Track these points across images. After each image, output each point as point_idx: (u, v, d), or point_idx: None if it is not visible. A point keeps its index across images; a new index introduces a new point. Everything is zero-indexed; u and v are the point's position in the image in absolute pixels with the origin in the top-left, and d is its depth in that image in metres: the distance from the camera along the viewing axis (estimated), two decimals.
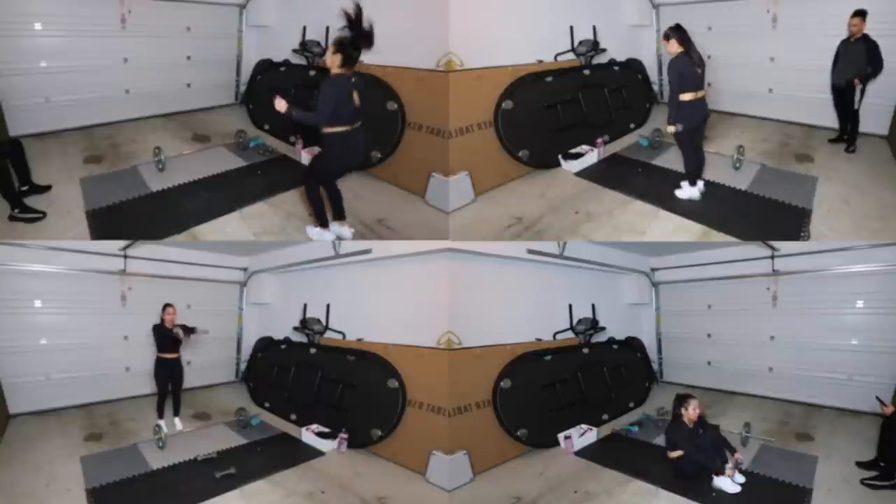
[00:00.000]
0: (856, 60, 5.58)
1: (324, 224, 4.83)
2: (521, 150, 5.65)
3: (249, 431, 5.74)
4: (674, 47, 4.91)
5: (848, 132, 5.83)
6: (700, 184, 5.24)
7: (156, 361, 5.64)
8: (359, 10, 4.43)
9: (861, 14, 5.53)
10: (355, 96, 4.52)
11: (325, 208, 4.81)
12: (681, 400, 4.84)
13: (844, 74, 5.66)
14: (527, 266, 5.60)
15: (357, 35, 4.44)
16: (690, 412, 4.77)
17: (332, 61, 4.47)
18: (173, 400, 5.73)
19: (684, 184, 5.23)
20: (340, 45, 4.44)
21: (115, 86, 6.27)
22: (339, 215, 4.87)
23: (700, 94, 4.95)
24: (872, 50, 5.53)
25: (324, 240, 4.92)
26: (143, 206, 5.06)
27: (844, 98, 5.75)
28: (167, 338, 5.56)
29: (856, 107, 5.72)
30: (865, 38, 5.55)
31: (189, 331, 5.63)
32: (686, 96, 4.90)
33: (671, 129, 4.98)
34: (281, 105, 4.40)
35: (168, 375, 5.65)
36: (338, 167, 4.74)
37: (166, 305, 5.62)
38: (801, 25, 6.15)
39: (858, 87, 5.64)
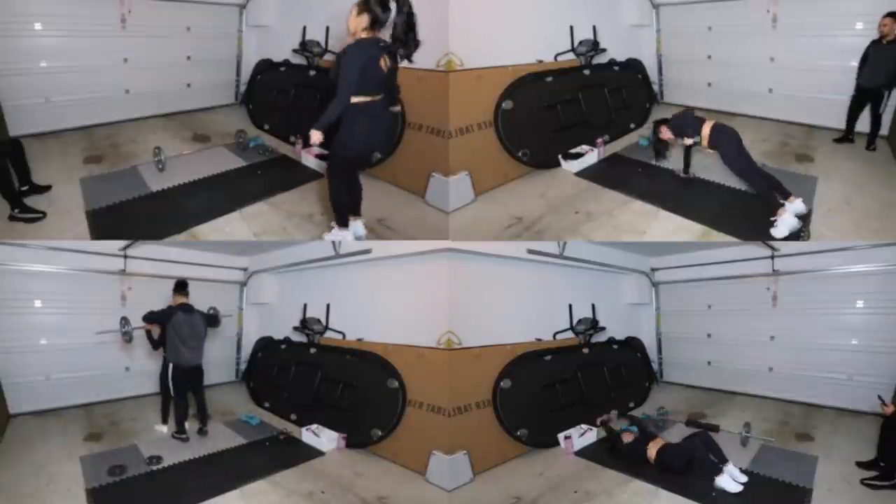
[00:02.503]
0: (888, 63, 5.46)
1: (343, 224, 4.55)
2: (521, 150, 5.65)
3: (248, 431, 5.74)
4: (667, 135, 5.16)
5: (870, 132, 5.75)
6: (797, 204, 4.72)
7: (164, 363, 5.54)
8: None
9: (892, 15, 5.39)
10: (384, 63, 4.00)
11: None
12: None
13: (875, 77, 5.55)
14: (527, 266, 5.60)
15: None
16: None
17: (357, 24, 3.91)
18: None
19: (776, 220, 4.72)
20: (367, 4, 3.89)
21: (115, 86, 6.28)
22: (356, 210, 4.56)
23: (707, 127, 4.92)
24: None
25: (345, 240, 4.65)
26: (143, 206, 5.06)
27: (871, 101, 5.66)
28: None
29: (880, 111, 5.66)
30: None
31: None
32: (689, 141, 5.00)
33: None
34: (317, 137, 4.00)
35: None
36: (361, 146, 4.16)
37: None
38: (801, 25, 6.14)
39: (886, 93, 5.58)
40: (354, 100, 3.99)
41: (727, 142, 4.86)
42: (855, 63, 5.70)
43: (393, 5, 3.97)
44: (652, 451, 4.87)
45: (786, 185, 4.81)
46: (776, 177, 4.87)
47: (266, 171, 5.75)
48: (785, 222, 4.68)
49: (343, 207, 4.50)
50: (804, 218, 4.77)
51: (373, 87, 4.01)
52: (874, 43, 5.55)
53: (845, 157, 5.74)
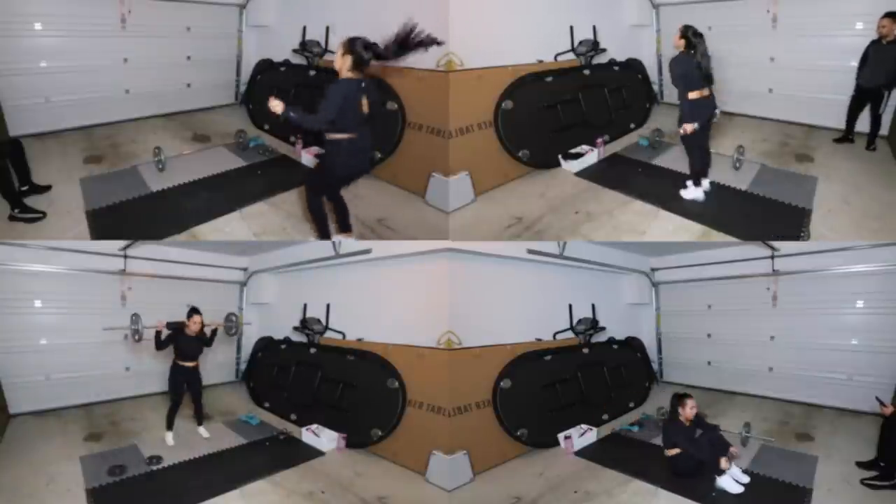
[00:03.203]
0: (887, 63, 5.46)
1: (325, 237, 4.67)
2: (521, 150, 5.65)
3: (248, 431, 5.74)
4: (678, 43, 4.96)
5: (869, 132, 5.76)
6: (705, 183, 5.26)
7: (172, 369, 5.38)
8: (410, 30, 4.20)
9: (891, 15, 5.40)
10: (364, 103, 4.22)
11: (329, 220, 4.64)
12: (678, 399, 4.87)
13: (875, 77, 5.56)
14: (527, 266, 5.60)
15: (398, 47, 4.18)
16: (688, 411, 4.80)
17: (342, 63, 4.13)
18: (196, 409, 5.56)
19: (689, 184, 5.21)
20: (351, 46, 4.11)
21: (115, 86, 6.28)
22: (345, 228, 4.69)
23: (705, 92, 4.95)
24: None
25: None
26: (143, 206, 5.06)
27: (871, 101, 5.67)
28: (190, 345, 5.34)
29: (880, 111, 5.67)
30: None
31: (213, 334, 5.49)
32: (692, 94, 4.92)
33: (686, 128, 4.99)
34: (276, 106, 4.07)
35: (186, 384, 5.42)
36: (340, 177, 4.43)
37: (194, 312, 5.34)
38: (801, 25, 6.15)
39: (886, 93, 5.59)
40: (336, 136, 4.21)
41: (702, 115, 4.99)
42: (855, 63, 5.70)
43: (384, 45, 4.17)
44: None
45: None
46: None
47: (266, 171, 5.75)
48: (692, 192, 5.18)
49: (324, 220, 4.62)
50: (805, 218, 4.83)
51: (353, 126, 4.21)
52: (874, 43, 5.55)
53: (845, 157, 5.75)
